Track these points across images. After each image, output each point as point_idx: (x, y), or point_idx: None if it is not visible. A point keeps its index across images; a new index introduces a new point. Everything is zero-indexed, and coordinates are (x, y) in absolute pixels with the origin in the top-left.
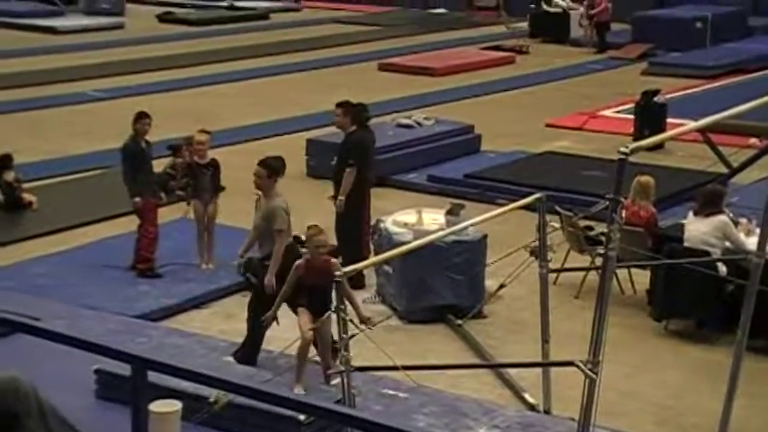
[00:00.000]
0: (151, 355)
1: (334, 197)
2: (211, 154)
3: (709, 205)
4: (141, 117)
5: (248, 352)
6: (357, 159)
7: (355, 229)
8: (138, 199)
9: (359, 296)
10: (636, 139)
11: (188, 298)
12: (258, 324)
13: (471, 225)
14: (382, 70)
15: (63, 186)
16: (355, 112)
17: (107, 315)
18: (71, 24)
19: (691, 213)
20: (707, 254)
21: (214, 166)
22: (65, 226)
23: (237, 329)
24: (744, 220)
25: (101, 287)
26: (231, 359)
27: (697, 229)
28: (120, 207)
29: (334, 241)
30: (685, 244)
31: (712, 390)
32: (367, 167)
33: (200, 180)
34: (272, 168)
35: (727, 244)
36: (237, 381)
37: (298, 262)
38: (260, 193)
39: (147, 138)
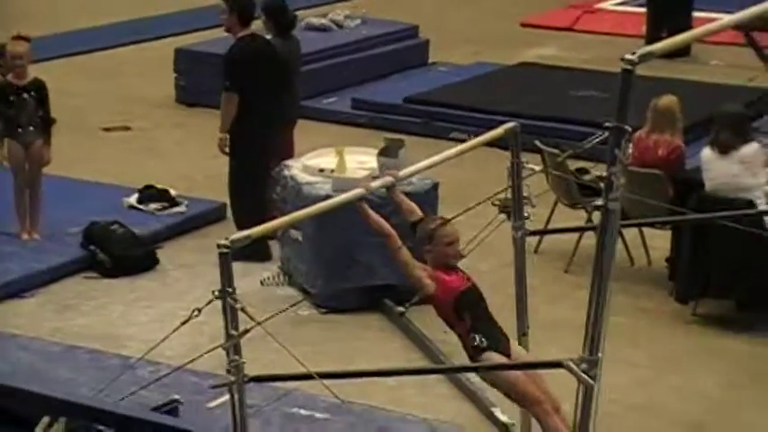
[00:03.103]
0: None
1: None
2: (33, 71)
3: (734, 134)
4: None
5: None
6: (237, 80)
7: (249, 179)
8: None
9: (258, 273)
10: (649, 42)
11: (2, 283)
12: None
13: (416, 171)
14: None
15: None
16: (244, 8)
17: None
18: None
19: (707, 149)
20: (750, 204)
21: (38, 88)
22: None
23: (77, 327)
24: None
25: None
26: None
27: (725, 169)
28: None
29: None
30: (709, 191)
31: (759, 397)
32: (257, 92)
33: (18, 109)
34: None
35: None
36: (79, 400)
37: (419, 272)
38: None
39: None
